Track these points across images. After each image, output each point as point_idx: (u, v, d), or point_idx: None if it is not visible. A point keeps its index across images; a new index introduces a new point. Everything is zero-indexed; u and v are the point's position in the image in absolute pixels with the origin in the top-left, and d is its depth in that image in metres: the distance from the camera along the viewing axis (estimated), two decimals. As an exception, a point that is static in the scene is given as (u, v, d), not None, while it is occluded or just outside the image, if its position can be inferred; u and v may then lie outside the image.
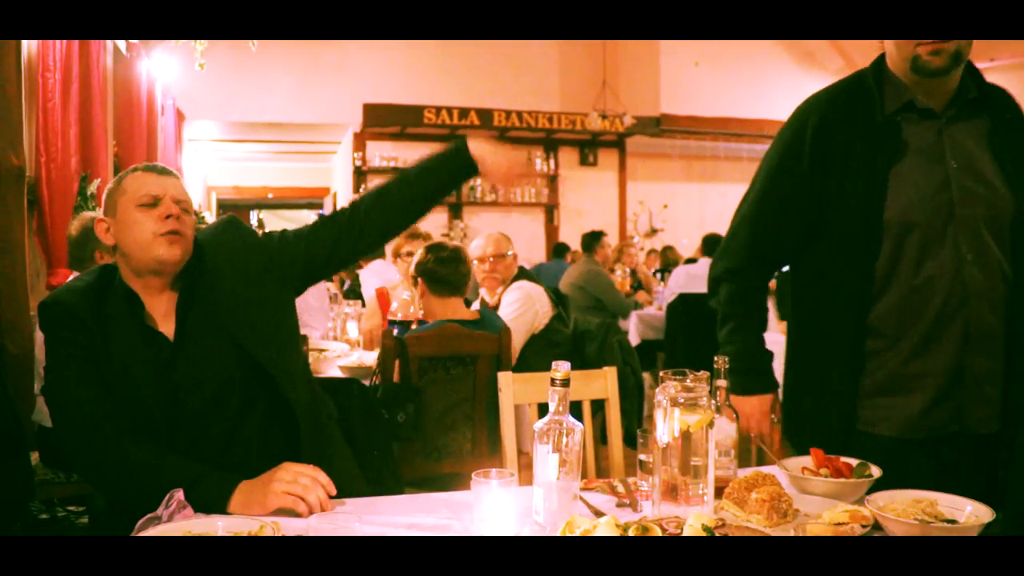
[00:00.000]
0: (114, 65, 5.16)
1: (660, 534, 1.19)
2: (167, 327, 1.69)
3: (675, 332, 5.88)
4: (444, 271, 2.86)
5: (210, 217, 8.41)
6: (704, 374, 1.42)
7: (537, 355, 3.18)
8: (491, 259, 3.48)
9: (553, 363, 1.37)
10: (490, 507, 1.26)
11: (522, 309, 3.25)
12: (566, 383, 1.37)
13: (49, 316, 1.65)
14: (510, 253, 3.53)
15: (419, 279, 2.91)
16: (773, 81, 9.80)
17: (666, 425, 1.40)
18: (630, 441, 2.46)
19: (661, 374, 1.43)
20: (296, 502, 1.43)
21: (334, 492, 1.49)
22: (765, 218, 1.89)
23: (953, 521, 1.33)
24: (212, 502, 1.46)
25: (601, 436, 2.67)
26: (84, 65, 4.16)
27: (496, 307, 3.36)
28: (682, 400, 1.39)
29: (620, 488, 1.62)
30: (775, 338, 4.50)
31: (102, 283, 1.69)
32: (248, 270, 1.77)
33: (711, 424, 1.40)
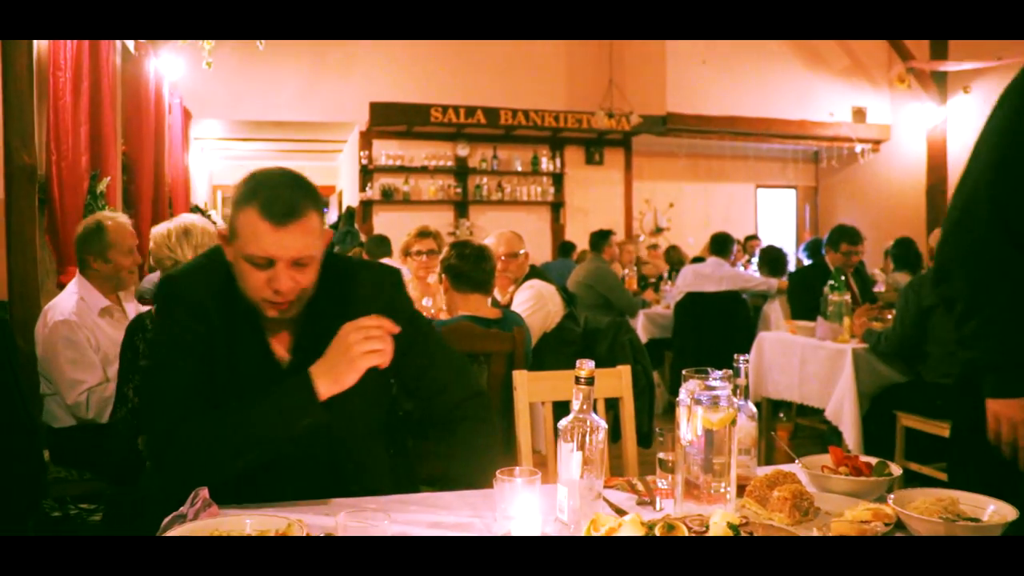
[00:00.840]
0: (123, 64, 5.16)
1: (685, 532, 1.19)
2: (282, 351, 1.65)
3: (683, 331, 5.88)
4: (465, 267, 2.86)
5: (216, 215, 8.32)
6: (727, 372, 1.42)
7: (549, 353, 3.18)
8: (503, 258, 3.48)
9: (578, 361, 1.36)
10: (515, 505, 1.26)
11: (534, 308, 3.25)
12: (590, 381, 1.37)
13: (171, 294, 1.60)
14: (522, 252, 3.53)
15: (443, 275, 2.92)
16: (779, 80, 9.79)
17: (689, 423, 1.40)
18: (642, 440, 2.46)
19: (684, 372, 1.43)
20: (381, 356, 1.50)
21: (396, 329, 1.53)
22: (1009, 177, 1.55)
23: (976, 519, 1.33)
24: (303, 406, 1.49)
25: (613, 434, 2.66)
26: (94, 64, 4.16)
27: (508, 306, 3.36)
28: (704, 399, 1.39)
29: (639, 486, 1.62)
30: (780, 336, 4.52)
31: (228, 274, 1.59)
32: None
33: (734, 422, 1.39)
